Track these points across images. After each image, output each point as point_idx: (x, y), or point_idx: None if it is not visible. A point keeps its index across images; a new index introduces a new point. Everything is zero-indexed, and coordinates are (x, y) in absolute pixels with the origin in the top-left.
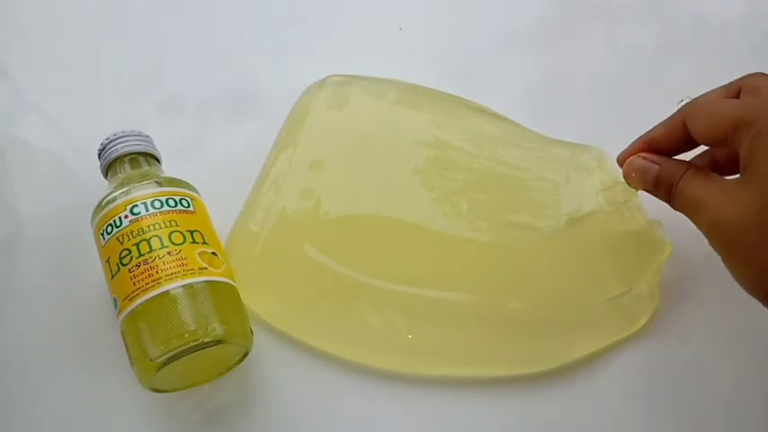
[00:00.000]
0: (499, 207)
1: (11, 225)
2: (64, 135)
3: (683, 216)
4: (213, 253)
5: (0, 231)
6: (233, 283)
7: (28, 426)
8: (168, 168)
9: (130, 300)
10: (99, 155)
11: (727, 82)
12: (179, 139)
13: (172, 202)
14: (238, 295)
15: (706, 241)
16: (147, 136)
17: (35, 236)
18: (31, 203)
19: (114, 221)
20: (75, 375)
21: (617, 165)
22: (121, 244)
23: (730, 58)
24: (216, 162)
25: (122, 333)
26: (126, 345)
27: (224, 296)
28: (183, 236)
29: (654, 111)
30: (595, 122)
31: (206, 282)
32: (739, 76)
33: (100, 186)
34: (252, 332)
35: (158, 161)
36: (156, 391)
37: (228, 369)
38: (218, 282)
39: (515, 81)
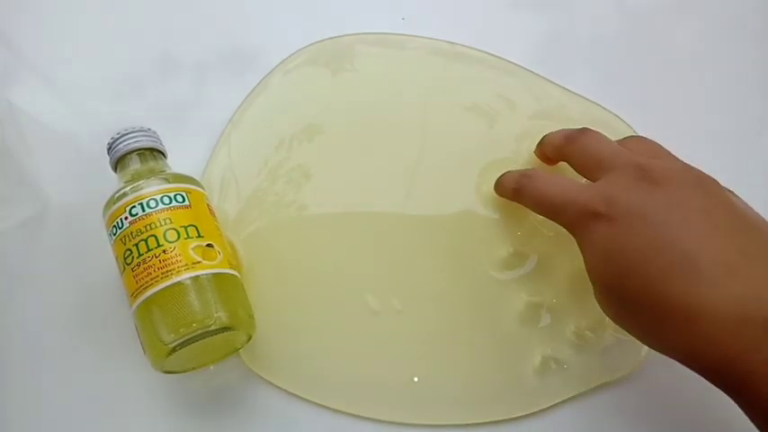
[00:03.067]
0: None
1: (35, 204)
2: (78, 113)
3: None
4: (208, 245)
5: (24, 211)
6: (233, 273)
7: (42, 401)
8: (169, 129)
9: (135, 297)
10: (108, 150)
11: (733, 42)
12: (178, 99)
13: (167, 200)
14: (240, 283)
15: None
16: (154, 132)
17: (58, 216)
18: (54, 185)
19: (117, 223)
20: (90, 355)
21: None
22: (124, 244)
23: (737, 17)
24: (215, 122)
25: (135, 323)
26: (138, 334)
27: (226, 286)
28: (177, 232)
29: (660, 71)
30: (602, 82)
31: (205, 274)
32: (745, 36)
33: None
34: (254, 317)
35: (164, 156)
36: (166, 372)
37: (233, 351)
38: (218, 273)
39: (522, 42)
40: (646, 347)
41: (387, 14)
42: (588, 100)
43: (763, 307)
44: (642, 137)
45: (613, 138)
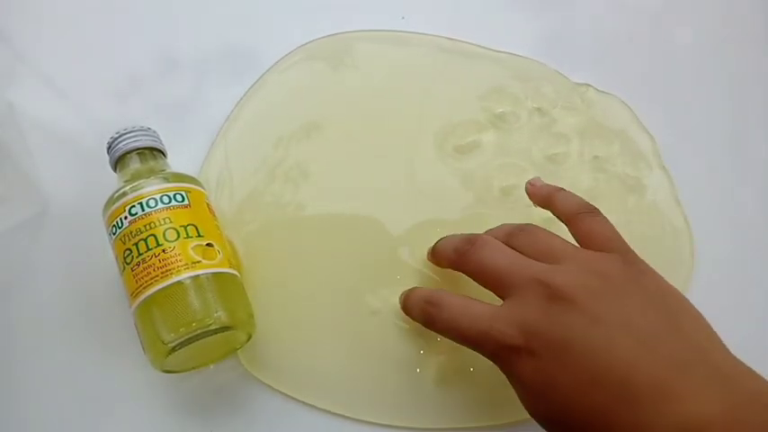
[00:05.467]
0: None
1: (35, 205)
2: (78, 113)
3: None
4: (208, 244)
5: (24, 211)
6: (233, 272)
7: (42, 401)
8: (168, 128)
9: (135, 296)
10: (107, 150)
11: (733, 41)
12: (178, 98)
13: (166, 199)
14: (240, 283)
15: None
16: (154, 131)
17: (58, 216)
18: (54, 185)
19: (117, 222)
20: (90, 355)
21: None
22: (124, 244)
23: (737, 17)
24: (215, 121)
25: (134, 323)
26: (138, 333)
27: (226, 286)
28: (177, 231)
29: (660, 70)
30: (602, 81)
31: (205, 274)
32: (745, 35)
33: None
34: (254, 317)
35: (164, 155)
36: (166, 372)
37: (233, 351)
38: (217, 273)
39: (521, 42)
40: None
41: (387, 13)
42: (596, 89)
43: (705, 429)
44: (530, 228)
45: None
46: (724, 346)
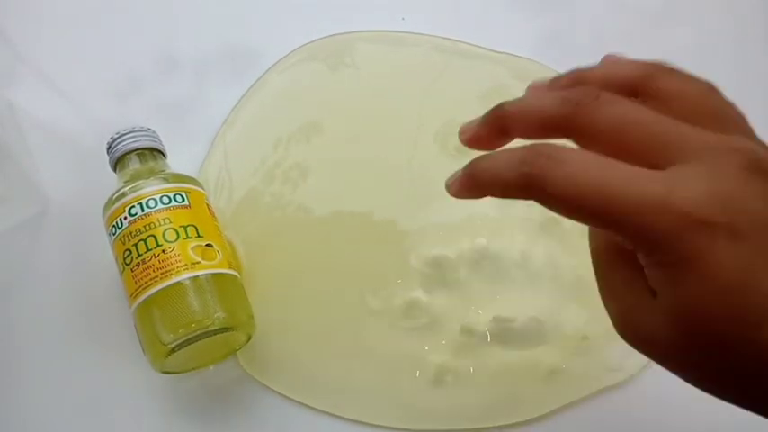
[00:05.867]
0: None
1: (35, 204)
2: (78, 113)
3: None
4: (208, 245)
5: (24, 211)
6: (232, 273)
7: (42, 401)
8: (168, 128)
9: (134, 297)
10: (107, 150)
11: (733, 41)
12: (178, 97)
13: (166, 200)
14: (240, 283)
15: None
16: (154, 131)
17: (58, 216)
18: (54, 185)
19: (116, 223)
20: (90, 355)
21: None
22: (123, 244)
23: (737, 17)
24: (215, 121)
25: (134, 323)
26: (138, 334)
27: (225, 286)
28: (177, 232)
29: None
30: None
31: (204, 275)
32: (746, 35)
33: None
34: (253, 317)
35: (164, 155)
36: (166, 373)
37: (233, 351)
38: (217, 273)
39: (521, 42)
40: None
41: (386, 14)
42: None
43: None
44: (686, 75)
45: None
46: None
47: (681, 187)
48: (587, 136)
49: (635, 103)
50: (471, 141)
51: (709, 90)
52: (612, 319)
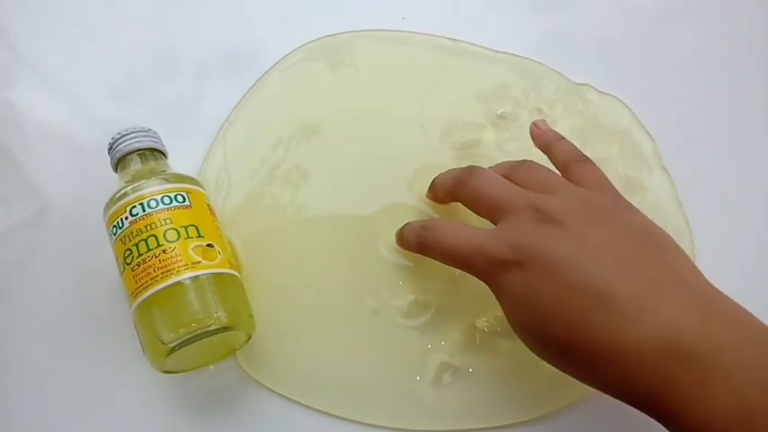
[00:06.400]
0: None
1: (35, 204)
2: (78, 113)
3: None
4: (208, 245)
5: (24, 211)
6: (233, 273)
7: (41, 401)
8: (168, 128)
9: (135, 296)
10: (108, 150)
11: (733, 42)
12: (178, 99)
13: (167, 200)
14: (240, 283)
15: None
16: (155, 132)
17: (58, 216)
18: (54, 185)
19: (117, 223)
20: (90, 355)
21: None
22: (124, 244)
23: (737, 17)
24: (216, 122)
25: (134, 323)
26: (138, 334)
27: (226, 286)
28: (178, 232)
29: (661, 71)
30: (602, 81)
31: (205, 274)
32: (745, 36)
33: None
34: (253, 317)
35: (165, 156)
36: (166, 372)
37: (233, 351)
38: (217, 273)
39: (521, 42)
40: None
41: (387, 14)
42: (596, 90)
43: (677, 340)
44: (530, 163)
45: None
46: (703, 276)
47: (491, 240)
48: (465, 201)
49: (494, 177)
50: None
51: (541, 168)
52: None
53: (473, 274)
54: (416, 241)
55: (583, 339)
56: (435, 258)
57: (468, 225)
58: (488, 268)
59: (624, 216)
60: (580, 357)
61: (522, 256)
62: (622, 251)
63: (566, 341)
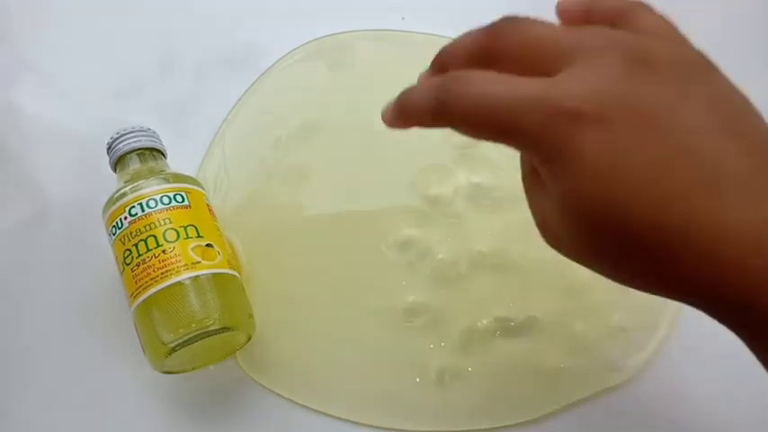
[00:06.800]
0: None
1: (35, 204)
2: (78, 113)
3: None
4: (208, 245)
5: (24, 211)
6: (233, 273)
7: (41, 401)
8: (169, 128)
9: (134, 297)
10: (107, 150)
11: (729, 47)
12: (178, 98)
13: (166, 200)
14: (240, 283)
15: None
16: (154, 131)
17: (58, 216)
18: (54, 185)
19: (117, 223)
20: (90, 355)
21: None
22: (123, 244)
23: (737, 17)
24: (215, 121)
25: (134, 324)
26: (138, 334)
27: (225, 286)
28: (177, 232)
29: None
30: None
31: (204, 275)
32: (744, 36)
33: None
34: (253, 317)
35: (164, 155)
36: (166, 373)
37: (233, 351)
38: (217, 273)
39: None
40: (649, 350)
41: (387, 14)
42: None
43: None
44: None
45: None
46: None
47: (557, 86)
48: (505, 59)
49: (543, 23)
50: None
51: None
52: (538, 230)
53: (516, 147)
54: (435, 100)
55: (681, 219)
56: (458, 126)
57: (516, 76)
58: (549, 127)
59: (718, 77)
60: (665, 246)
61: (610, 108)
62: (729, 111)
63: (649, 226)
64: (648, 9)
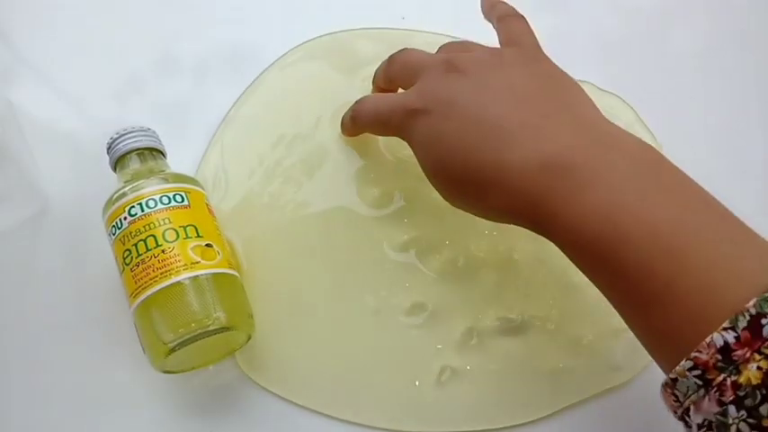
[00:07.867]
0: None
1: (35, 204)
2: (78, 113)
3: None
4: (208, 245)
5: (24, 211)
6: (232, 272)
7: (41, 401)
8: (169, 128)
9: (134, 297)
10: (107, 150)
11: (731, 42)
12: (178, 98)
13: (166, 200)
14: (240, 283)
15: None
16: (154, 131)
17: (58, 216)
18: (54, 185)
19: (116, 223)
20: (90, 355)
21: None
22: (123, 244)
23: (736, 17)
24: (215, 121)
25: (134, 323)
26: (138, 334)
27: (225, 286)
28: (177, 232)
29: (659, 71)
30: (601, 82)
31: (204, 274)
32: (744, 36)
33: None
34: (253, 317)
35: (164, 155)
36: (166, 372)
37: (233, 351)
38: (217, 273)
39: None
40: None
41: (386, 12)
42: (597, 87)
43: (557, 157)
44: (459, 41)
45: None
46: (605, 118)
47: (407, 96)
48: (396, 80)
49: (418, 50)
50: None
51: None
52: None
53: (394, 134)
54: (349, 116)
55: (476, 165)
56: (366, 130)
57: (396, 93)
58: (403, 121)
59: (531, 64)
60: (475, 185)
61: (429, 103)
62: (522, 91)
63: (463, 172)
64: (513, 18)
